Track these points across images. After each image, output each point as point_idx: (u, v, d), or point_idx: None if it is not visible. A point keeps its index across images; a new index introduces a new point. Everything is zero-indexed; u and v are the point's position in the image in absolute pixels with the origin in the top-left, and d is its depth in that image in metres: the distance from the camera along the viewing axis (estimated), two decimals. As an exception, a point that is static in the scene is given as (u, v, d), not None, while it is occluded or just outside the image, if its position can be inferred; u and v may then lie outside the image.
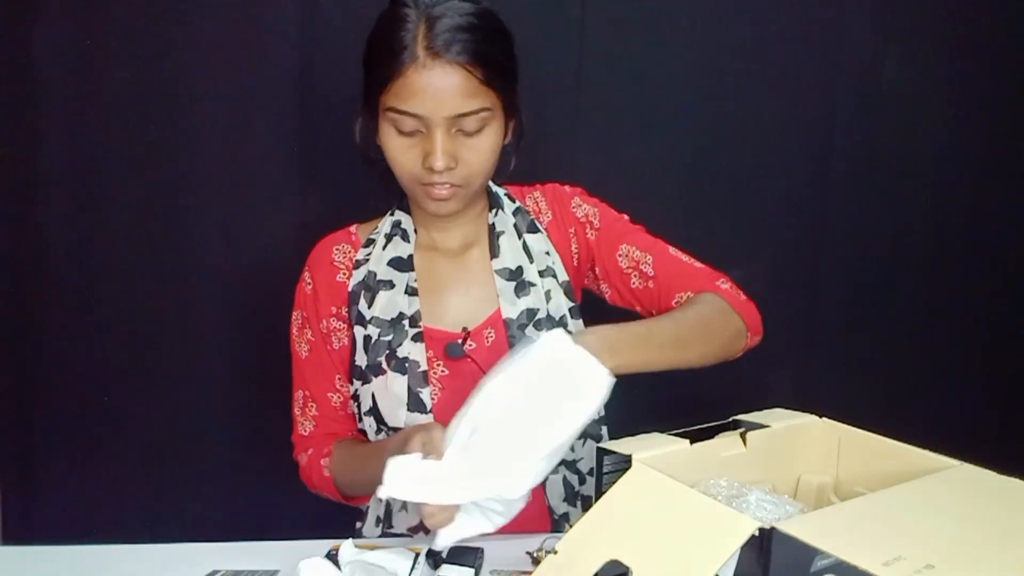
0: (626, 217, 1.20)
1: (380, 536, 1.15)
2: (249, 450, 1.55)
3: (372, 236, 1.16)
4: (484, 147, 1.03)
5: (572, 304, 1.15)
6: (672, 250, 1.16)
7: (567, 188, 1.21)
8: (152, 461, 1.56)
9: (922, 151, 1.70)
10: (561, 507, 1.13)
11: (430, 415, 1.08)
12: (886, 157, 1.69)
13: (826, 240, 1.70)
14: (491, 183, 1.15)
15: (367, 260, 1.14)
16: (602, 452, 0.82)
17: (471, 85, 0.99)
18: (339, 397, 1.15)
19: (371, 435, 1.13)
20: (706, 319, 1.06)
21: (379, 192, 1.50)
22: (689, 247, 1.63)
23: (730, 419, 0.91)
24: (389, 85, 0.99)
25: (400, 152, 1.03)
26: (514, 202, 1.17)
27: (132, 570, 0.98)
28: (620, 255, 1.16)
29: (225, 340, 1.56)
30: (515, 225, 1.15)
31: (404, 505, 1.13)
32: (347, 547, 0.92)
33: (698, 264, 1.16)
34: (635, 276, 1.15)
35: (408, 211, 1.16)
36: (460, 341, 1.09)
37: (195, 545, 1.00)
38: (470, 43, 0.98)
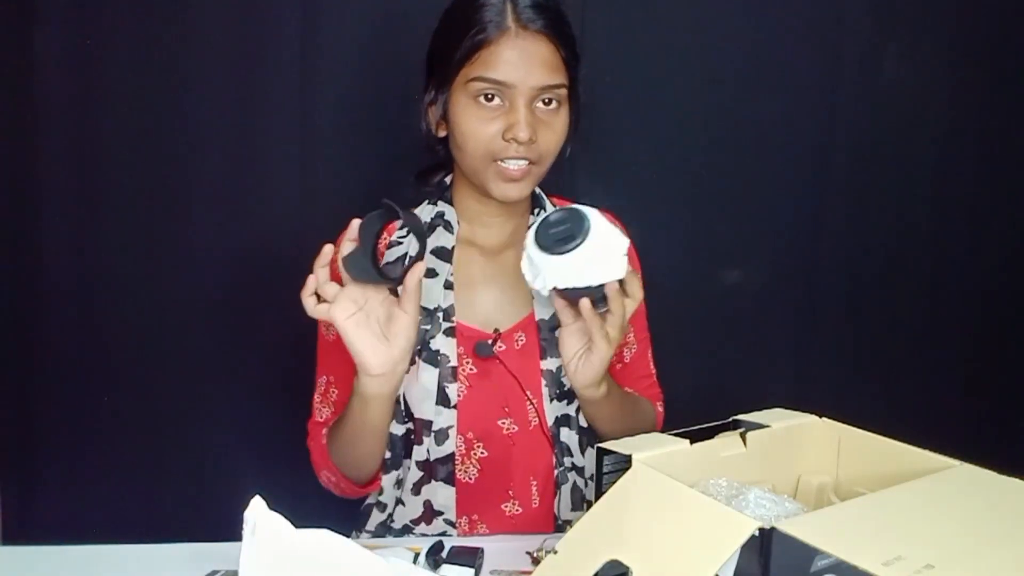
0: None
1: (376, 536, 1.15)
2: (249, 450, 1.55)
3: None
4: (559, 126, 1.07)
5: None
6: (650, 353, 1.25)
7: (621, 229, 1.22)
8: (152, 462, 1.56)
9: (922, 150, 1.71)
10: (568, 515, 1.14)
11: (454, 411, 1.09)
12: (886, 156, 1.69)
13: (826, 239, 1.70)
14: (536, 187, 1.15)
15: (401, 243, 1.13)
16: (602, 452, 0.82)
17: (556, 59, 1.04)
18: None
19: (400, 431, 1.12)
20: (641, 425, 1.16)
21: (381, 191, 1.50)
22: (689, 247, 1.65)
23: (730, 419, 0.91)
24: (476, 55, 1.02)
25: (479, 125, 1.04)
26: (555, 207, 1.18)
27: (132, 570, 0.98)
28: None
29: (225, 340, 1.56)
30: None
31: (402, 499, 1.13)
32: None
33: (655, 378, 1.25)
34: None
35: (451, 203, 1.15)
36: (490, 342, 1.10)
37: (195, 545, 1.00)
38: (553, 20, 1.04)
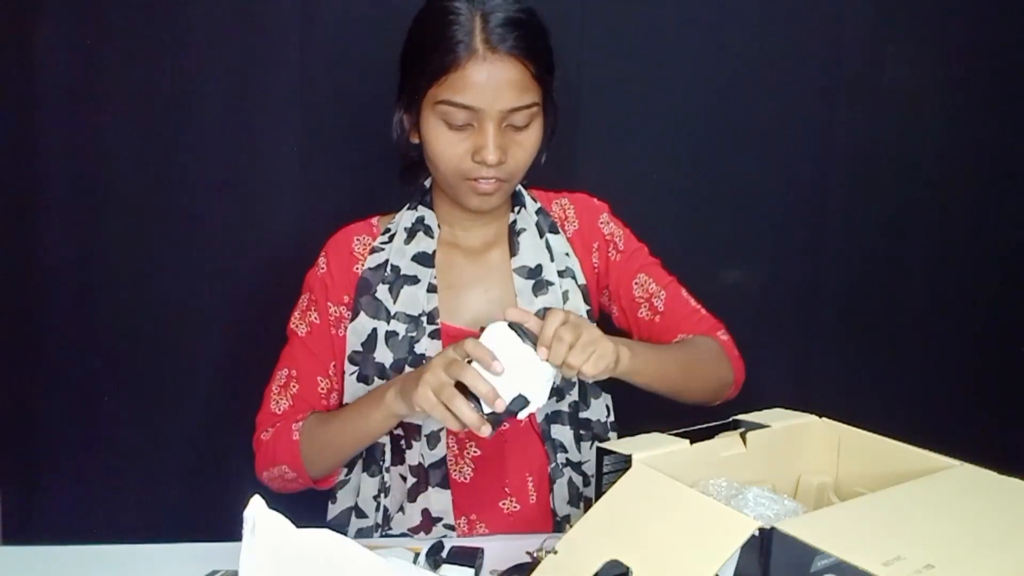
0: (646, 248, 1.22)
1: (380, 536, 1.15)
2: (249, 450, 1.55)
3: (389, 226, 1.16)
4: (530, 143, 1.05)
5: (589, 308, 1.15)
6: (684, 291, 1.20)
7: (596, 201, 1.22)
8: (152, 461, 1.56)
9: (922, 151, 1.70)
10: (564, 509, 1.14)
11: None
12: (886, 157, 1.68)
13: (826, 240, 1.70)
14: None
15: (383, 249, 1.13)
16: (602, 452, 0.82)
17: (525, 79, 1.01)
18: (326, 384, 1.14)
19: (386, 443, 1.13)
20: (706, 361, 1.14)
21: (380, 192, 1.51)
22: (689, 247, 1.65)
23: (730, 419, 0.91)
24: (443, 78, 1.00)
25: (448, 146, 1.03)
26: (536, 202, 1.18)
27: (132, 570, 0.98)
28: (636, 283, 1.19)
29: (225, 340, 1.56)
30: (537, 224, 1.16)
31: (401, 507, 1.13)
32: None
33: (704, 311, 1.20)
34: (644, 307, 1.18)
35: (431, 207, 1.15)
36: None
37: (195, 545, 1.00)
38: (523, 37, 1.01)
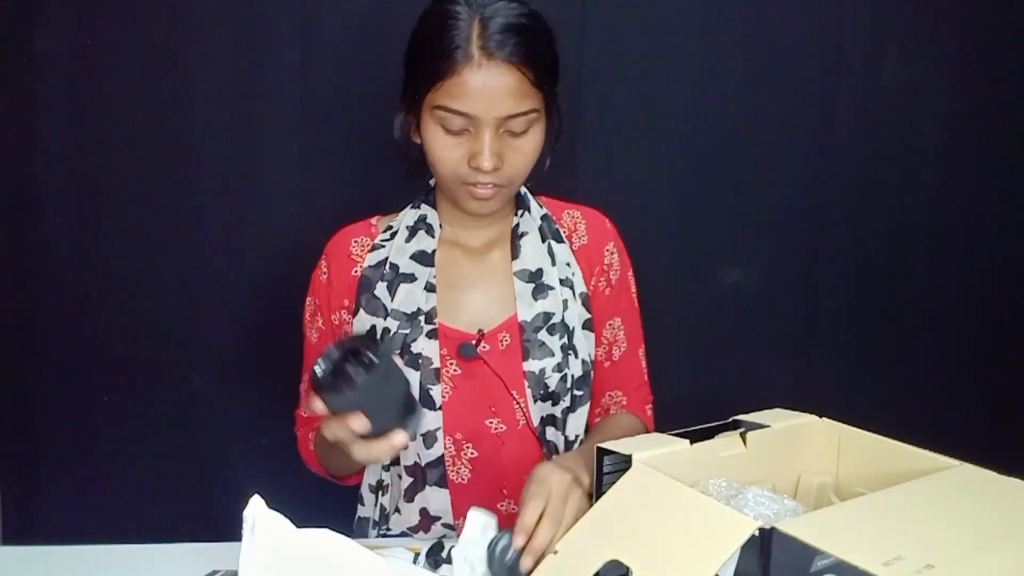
0: (635, 292, 1.22)
1: (378, 537, 1.15)
2: (249, 450, 1.55)
3: (392, 224, 1.16)
4: (529, 148, 1.04)
5: (588, 316, 1.15)
6: (641, 351, 1.21)
7: (607, 224, 1.21)
8: (152, 461, 1.56)
9: (922, 151, 1.70)
10: None
11: (439, 412, 1.08)
12: (886, 157, 1.68)
13: (826, 240, 1.70)
14: (521, 187, 1.15)
15: (383, 246, 1.13)
16: (602, 452, 0.82)
17: (523, 86, 0.99)
18: None
19: None
20: None
21: (380, 192, 1.51)
22: (689, 247, 1.65)
23: (730, 419, 0.91)
24: (440, 83, 0.98)
25: (445, 150, 1.02)
26: (542, 208, 1.18)
27: (132, 570, 0.98)
28: (610, 325, 1.19)
29: (225, 340, 1.56)
30: (540, 229, 1.15)
31: (397, 507, 1.13)
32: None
33: (646, 382, 1.21)
34: (603, 350, 1.18)
35: (434, 206, 1.15)
36: (474, 342, 1.09)
37: (195, 545, 1.00)
38: (523, 44, 0.98)
